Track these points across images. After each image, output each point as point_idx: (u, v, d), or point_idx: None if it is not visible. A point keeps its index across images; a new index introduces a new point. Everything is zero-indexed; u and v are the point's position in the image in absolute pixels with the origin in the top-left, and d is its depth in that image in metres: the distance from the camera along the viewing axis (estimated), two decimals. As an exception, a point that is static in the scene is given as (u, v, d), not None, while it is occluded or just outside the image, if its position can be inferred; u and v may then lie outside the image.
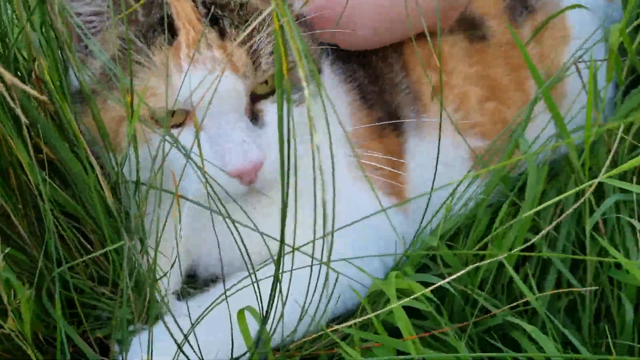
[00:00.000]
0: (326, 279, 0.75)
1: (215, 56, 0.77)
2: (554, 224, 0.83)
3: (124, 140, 0.82)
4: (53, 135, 0.79)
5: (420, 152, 1.03)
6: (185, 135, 0.79)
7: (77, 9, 0.78)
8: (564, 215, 0.82)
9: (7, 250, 0.74)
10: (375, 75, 1.02)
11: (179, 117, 0.80)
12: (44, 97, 0.67)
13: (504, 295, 0.95)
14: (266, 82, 0.81)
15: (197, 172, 0.72)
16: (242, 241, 0.73)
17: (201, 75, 0.76)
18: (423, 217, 0.93)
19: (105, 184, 0.76)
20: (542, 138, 1.02)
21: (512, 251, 0.85)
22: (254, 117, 0.81)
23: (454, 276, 0.74)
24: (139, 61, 0.77)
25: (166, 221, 0.76)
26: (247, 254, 0.74)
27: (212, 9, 0.79)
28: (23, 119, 0.65)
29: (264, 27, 0.79)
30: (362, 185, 0.92)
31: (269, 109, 0.82)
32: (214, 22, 0.79)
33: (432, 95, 1.02)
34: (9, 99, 0.66)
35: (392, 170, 0.94)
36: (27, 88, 0.58)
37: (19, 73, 0.90)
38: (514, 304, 0.86)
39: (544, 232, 0.81)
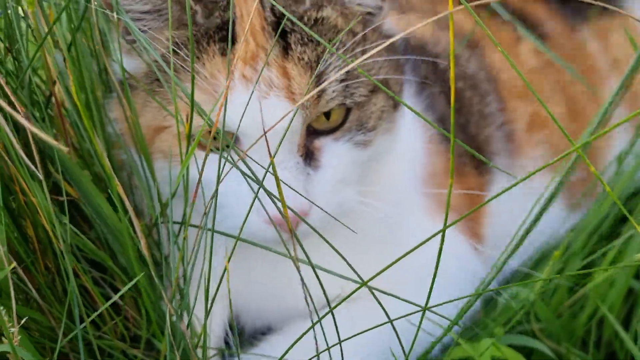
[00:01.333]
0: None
1: (272, 78, 0.64)
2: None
3: (157, 155, 0.69)
4: (75, 171, 0.66)
5: (511, 195, 0.90)
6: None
7: (128, 6, 0.66)
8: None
9: (25, 319, 0.60)
10: (460, 105, 0.88)
11: (219, 141, 0.65)
12: (67, 150, 0.53)
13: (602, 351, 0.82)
14: (327, 115, 0.67)
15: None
16: (303, 283, 0.60)
17: (254, 96, 0.62)
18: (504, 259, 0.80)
19: (141, 230, 0.63)
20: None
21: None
22: (309, 155, 0.67)
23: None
24: (186, 68, 0.64)
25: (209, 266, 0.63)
26: (311, 298, 0.62)
27: (283, 21, 0.65)
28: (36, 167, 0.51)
29: (336, 49, 0.65)
30: (437, 225, 0.79)
31: (328, 149, 0.68)
32: (280, 35, 0.65)
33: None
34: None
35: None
36: (49, 139, 0.45)
37: (34, 95, 0.76)
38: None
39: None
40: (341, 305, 0.66)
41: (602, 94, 1.00)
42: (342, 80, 0.65)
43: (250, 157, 0.61)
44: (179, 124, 0.62)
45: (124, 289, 0.65)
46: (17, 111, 0.56)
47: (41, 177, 0.59)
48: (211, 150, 0.62)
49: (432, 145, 0.83)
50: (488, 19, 0.96)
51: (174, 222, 0.65)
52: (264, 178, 0.58)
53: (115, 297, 0.65)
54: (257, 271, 0.78)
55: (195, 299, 0.66)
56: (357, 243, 0.67)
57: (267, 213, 0.61)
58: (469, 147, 0.81)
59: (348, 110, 0.68)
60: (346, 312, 0.68)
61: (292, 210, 0.60)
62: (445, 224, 0.57)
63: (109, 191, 0.65)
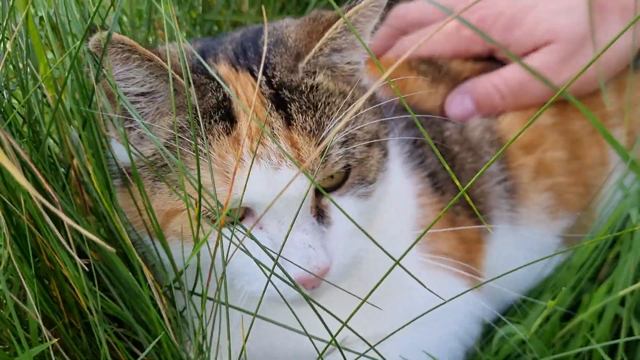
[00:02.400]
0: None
1: (285, 150, 0.67)
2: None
3: (172, 237, 0.72)
4: (113, 258, 0.71)
5: (510, 241, 0.95)
6: (241, 234, 0.69)
7: (125, 89, 0.68)
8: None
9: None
10: (452, 163, 0.93)
11: (231, 216, 0.70)
12: (114, 251, 0.57)
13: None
14: (331, 175, 0.72)
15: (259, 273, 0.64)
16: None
17: (265, 170, 0.67)
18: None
19: (164, 301, 0.68)
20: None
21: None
22: (319, 214, 0.72)
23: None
24: (192, 151, 0.67)
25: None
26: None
27: (282, 92, 0.70)
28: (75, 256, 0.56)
29: (335, 111, 0.70)
30: (435, 274, 0.84)
31: (340, 204, 0.72)
32: (280, 106, 0.69)
33: None
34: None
35: (468, 255, 0.86)
36: (93, 236, 0.50)
37: (52, 164, 0.81)
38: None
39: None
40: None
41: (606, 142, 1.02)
42: (343, 143, 0.70)
43: (265, 229, 0.68)
44: (189, 209, 0.66)
45: (150, 347, 0.69)
46: (52, 198, 0.61)
47: (77, 260, 0.64)
48: (225, 225, 0.66)
49: (423, 198, 0.88)
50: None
51: (191, 292, 0.70)
52: (283, 244, 0.64)
53: (143, 355, 0.70)
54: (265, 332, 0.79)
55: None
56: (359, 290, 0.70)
57: (288, 276, 0.65)
58: (462, 200, 0.87)
59: (349, 170, 0.72)
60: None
61: (309, 271, 0.66)
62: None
63: (130, 262, 0.70)
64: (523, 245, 0.84)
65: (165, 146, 0.68)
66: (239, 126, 0.68)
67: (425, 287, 0.64)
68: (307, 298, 0.66)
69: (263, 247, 0.64)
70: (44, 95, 0.77)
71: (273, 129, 0.68)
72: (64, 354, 0.77)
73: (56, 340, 0.65)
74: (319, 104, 0.70)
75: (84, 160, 0.71)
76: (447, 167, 0.58)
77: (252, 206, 0.69)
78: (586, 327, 0.85)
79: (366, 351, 0.68)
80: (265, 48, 0.67)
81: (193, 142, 0.67)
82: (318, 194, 0.72)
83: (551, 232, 0.99)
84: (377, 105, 0.78)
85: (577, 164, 1.00)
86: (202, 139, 0.67)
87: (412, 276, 0.63)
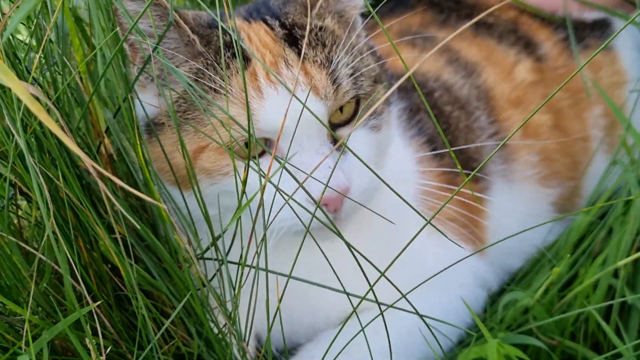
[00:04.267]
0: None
1: (296, 77, 0.73)
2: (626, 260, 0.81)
3: (201, 175, 0.76)
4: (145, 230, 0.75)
5: (506, 199, 1.01)
6: (265, 167, 0.73)
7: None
8: None
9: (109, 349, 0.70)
10: (447, 124, 0.99)
11: (257, 148, 0.73)
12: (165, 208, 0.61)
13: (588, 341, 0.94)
14: (340, 110, 0.77)
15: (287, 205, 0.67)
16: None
17: (283, 98, 0.72)
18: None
19: (201, 275, 0.72)
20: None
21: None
22: (335, 144, 0.76)
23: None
24: (215, 88, 0.73)
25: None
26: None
27: (294, 30, 0.76)
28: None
29: (342, 48, 0.76)
30: (439, 240, 0.89)
31: (355, 137, 0.78)
32: (293, 43, 0.76)
33: None
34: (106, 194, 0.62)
35: (471, 217, 0.91)
36: (152, 201, 0.54)
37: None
38: (607, 355, 0.85)
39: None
40: (361, 315, 0.76)
41: (586, 115, 1.12)
42: (351, 75, 0.75)
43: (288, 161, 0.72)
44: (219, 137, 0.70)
45: (179, 305, 0.73)
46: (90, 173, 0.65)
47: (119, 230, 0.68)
48: (252, 158, 0.70)
49: (423, 165, 0.94)
50: (478, 37, 1.09)
51: (230, 262, 0.73)
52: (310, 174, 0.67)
53: (175, 314, 0.74)
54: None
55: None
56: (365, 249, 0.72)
57: (311, 198, 0.67)
58: (459, 160, 0.92)
59: (357, 103, 0.78)
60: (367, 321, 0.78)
61: (331, 188, 0.70)
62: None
63: (164, 231, 0.75)
64: (519, 205, 0.89)
65: (185, 92, 0.73)
66: (253, 62, 0.74)
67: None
68: (332, 226, 0.68)
69: (290, 173, 0.67)
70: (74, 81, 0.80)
71: (287, 61, 0.74)
72: (98, 327, 0.81)
73: (97, 304, 0.68)
74: (327, 42, 0.77)
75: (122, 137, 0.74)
76: (443, 136, 0.64)
77: (273, 135, 0.73)
78: (582, 297, 0.91)
79: (384, 310, 0.73)
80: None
81: (214, 81, 0.73)
82: (332, 128, 0.77)
83: (544, 198, 1.05)
84: (373, 50, 0.84)
85: (561, 134, 1.07)
86: (222, 77, 0.72)
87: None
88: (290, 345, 0.93)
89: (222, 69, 0.73)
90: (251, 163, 0.69)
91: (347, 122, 0.78)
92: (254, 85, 0.72)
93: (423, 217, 0.66)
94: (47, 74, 0.85)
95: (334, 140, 0.76)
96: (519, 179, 1.03)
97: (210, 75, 0.73)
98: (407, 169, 0.92)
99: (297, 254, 0.69)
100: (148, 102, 0.77)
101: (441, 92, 1.03)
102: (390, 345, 0.75)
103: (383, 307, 0.72)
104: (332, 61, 0.74)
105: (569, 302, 0.93)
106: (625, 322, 0.93)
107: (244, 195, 0.70)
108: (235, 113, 0.72)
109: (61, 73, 0.82)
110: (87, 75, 0.78)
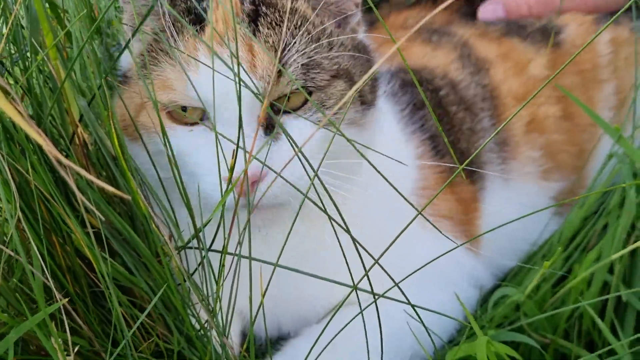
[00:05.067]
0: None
1: (239, 53, 0.70)
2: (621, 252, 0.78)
3: (142, 131, 0.76)
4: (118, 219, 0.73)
5: (503, 199, 0.98)
6: (197, 134, 0.74)
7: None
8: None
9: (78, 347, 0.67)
10: (451, 124, 0.96)
11: (195, 116, 0.74)
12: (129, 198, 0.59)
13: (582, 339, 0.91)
14: (288, 96, 0.74)
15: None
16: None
17: (218, 70, 0.69)
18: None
19: (181, 269, 0.69)
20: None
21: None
22: (269, 129, 0.73)
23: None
24: (166, 52, 0.72)
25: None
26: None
27: (260, 7, 0.73)
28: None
29: (305, 35, 0.73)
30: (432, 236, 0.87)
31: (289, 124, 0.74)
32: (255, 20, 0.73)
33: None
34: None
35: (466, 216, 0.89)
36: (118, 192, 0.51)
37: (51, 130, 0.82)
38: (600, 352, 0.82)
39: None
40: (347, 309, 0.73)
41: (596, 97, 1.09)
42: (304, 65, 0.72)
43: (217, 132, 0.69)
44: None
45: (154, 299, 0.70)
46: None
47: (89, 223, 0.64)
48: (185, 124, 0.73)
49: (422, 160, 0.91)
50: (506, 36, 1.07)
51: (210, 250, 0.71)
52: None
53: (150, 307, 0.70)
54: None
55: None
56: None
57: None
58: (460, 162, 0.89)
59: (310, 93, 0.75)
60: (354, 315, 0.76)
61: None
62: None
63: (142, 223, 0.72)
64: (517, 204, 0.87)
65: (150, 50, 0.74)
66: (207, 30, 0.72)
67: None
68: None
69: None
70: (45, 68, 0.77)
71: (240, 35, 0.72)
72: (67, 325, 0.78)
73: (64, 301, 0.65)
74: (292, 26, 0.73)
75: (103, 117, 0.71)
76: (445, 138, 0.61)
77: (208, 107, 0.71)
78: (576, 292, 0.88)
79: (377, 298, 0.70)
80: None
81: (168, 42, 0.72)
82: (276, 112, 0.74)
83: (544, 193, 1.02)
84: (361, 47, 0.80)
85: (569, 124, 1.04)
86: (175, 40, 0.72)
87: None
88: (277, 335, 0.91)
89: (176, 32, 0.72)
90: (182, 128, 0.73)
91: (296, 109, 0.75)
92: (195, 54, 0.71)
93: (414, 207, 0.64)
94: (20, 62, 0.81)
95: (268, 125, 0.73)
96: (517, 177, 1.00)
97: (167, 37, 0.72)
98: (407, 165, 0.89)
99: (285, 242, 0.67)
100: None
101: (447, 90, 1.01)
102: (381, 340, 0.72)
103: (374, 298, 0.70)
104: (286, 46, 0.71)
105: (562, 299, 0.90)
106: (621, 319, 0.90)
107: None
108: (174, 77, 0.71)
109: (32, 59, 0.79)
110: (60, 61, 0.74)
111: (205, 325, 0.78)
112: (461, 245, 0.75)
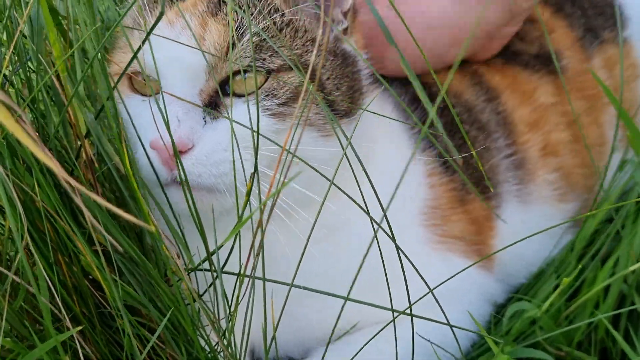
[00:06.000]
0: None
1: (191, 25, 0.72)
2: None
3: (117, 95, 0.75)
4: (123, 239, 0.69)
5: (520, 220, 0.96)
6: (148, 104, 0.73)
7: None
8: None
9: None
10: (462, 142, 0.94)
11: (153, 87, 0.74)
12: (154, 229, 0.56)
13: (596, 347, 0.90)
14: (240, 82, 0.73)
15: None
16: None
17: (169, 42, 0.71)
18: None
19: (191, 290, 0.66)
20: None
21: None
22: (212, 107, 0.73)
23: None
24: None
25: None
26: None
27: None
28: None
29: (260, 21, 0.73)
30: (443, 257, 0.85)
31: (235, 107, 0.73)
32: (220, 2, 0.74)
33: None
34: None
35: (479, 237, 0.88)
36: (142, 223, 0.48)
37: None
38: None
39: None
40: (362, 330, 0.71)
41: (603, 119, 1.08)
42: (256, 46, 0.72)
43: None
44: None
45: (163, 321, 0.68)
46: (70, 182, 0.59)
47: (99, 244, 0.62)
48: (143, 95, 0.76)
49: (432, 178, 0.89)
50: (507, 65, 1.05)
51: (225, 272, 0.69)
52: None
53: (159, 330, 0.69)
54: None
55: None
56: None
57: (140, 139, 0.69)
58: (470, 178, 0.88)
59: (266, 80, 0.73)
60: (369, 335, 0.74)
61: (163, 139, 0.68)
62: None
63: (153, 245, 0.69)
64: (535, 228, 0.86)
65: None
66: (179, 4, 0.75)
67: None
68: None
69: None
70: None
71: (199, 11, 0.74)
72: (83, 345, 0.75)
73: (78, 329, 0.62)
74: (255, 12, 0.73)
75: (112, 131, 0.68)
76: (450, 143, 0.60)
77: (158, 75, 0.72)
78: (591, 304, 0.87)
79: (395, 316, 0.69)
80: None
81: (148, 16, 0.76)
82: (226, 94, 0.73)
83: (561, 215, 1.01)
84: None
85: (580, 146, 1.03)
86: (151, 12, 0.76)
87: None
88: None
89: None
90: (138, 97, 0.76)
91: (248, 95, 0.73)
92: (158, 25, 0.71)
93: (379, 202, 0.63)
94: (20, 71, 0.78)
95: (211, 103, 0.73)
96: (536, 200, 0.99)
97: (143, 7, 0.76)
98: (414, 181, 0.88)
99: (299, 263, 0.66)
100: None
101: (460, 109, 0.98)
102: None
103: (390, 318, 0.68)
104: (239, 27, 0.72)
105: (575, 313, 0.89)
106: (635, 326, 0.89)
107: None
108: (135, 43, 0.73)
109: (35, 71, 0.75)
110: (66, 73, 0.71)
111: (217, 348, 0.75)
112: (472, 265, 0.75)
